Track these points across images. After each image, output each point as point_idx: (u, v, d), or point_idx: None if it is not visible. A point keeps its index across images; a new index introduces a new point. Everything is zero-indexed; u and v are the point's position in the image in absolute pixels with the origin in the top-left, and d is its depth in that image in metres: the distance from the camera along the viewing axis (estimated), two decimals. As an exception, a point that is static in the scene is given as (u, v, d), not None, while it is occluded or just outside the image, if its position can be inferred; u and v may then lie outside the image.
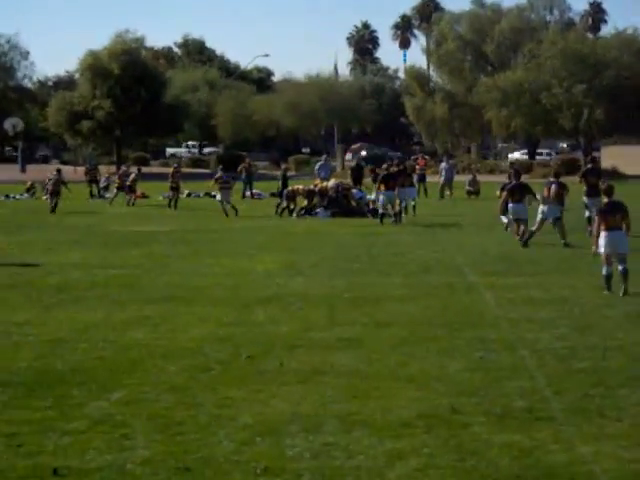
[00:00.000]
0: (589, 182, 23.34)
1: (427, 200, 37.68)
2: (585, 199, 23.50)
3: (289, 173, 39.17)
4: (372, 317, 12.73)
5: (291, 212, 30.94)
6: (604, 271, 14.73)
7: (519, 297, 14.26)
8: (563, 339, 11.25)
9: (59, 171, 35.78)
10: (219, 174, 32.72)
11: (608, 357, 10.31)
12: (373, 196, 29.56)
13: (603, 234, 14.66)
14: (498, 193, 24.56)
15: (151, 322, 12.44)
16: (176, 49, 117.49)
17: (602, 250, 14.69)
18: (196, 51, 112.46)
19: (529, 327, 11.99)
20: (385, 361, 10.20)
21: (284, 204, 31.39)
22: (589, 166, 25.27)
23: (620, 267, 14.62)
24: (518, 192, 22.17)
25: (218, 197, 32.56)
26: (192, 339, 11.36)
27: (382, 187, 27.78)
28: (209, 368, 9.92)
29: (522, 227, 21.77)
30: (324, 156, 42.40)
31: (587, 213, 23.35)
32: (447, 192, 40.61)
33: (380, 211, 27.94)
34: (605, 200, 15.26)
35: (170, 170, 38.63)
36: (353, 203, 31.04)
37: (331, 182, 31.81)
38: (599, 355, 10.39)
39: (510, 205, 22.34)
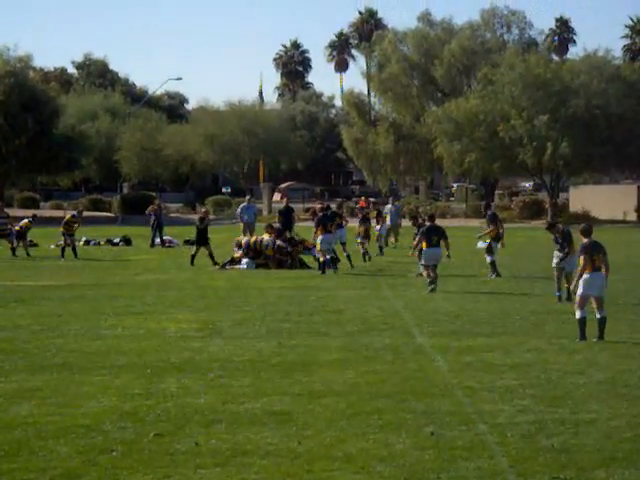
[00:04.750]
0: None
1: (369, 248, 37.90)
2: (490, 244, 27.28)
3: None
4: (304, 386, 12.70)
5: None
6: (578, 314, 16.30)
7: (476, 362, 14.37)
8: (528, 412, 11.34)
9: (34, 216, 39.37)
10: None
11: (580, 433, 10.41)
12: (319, 245, 29.50)
13: (586, 275, 16.27)
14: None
15: (39, 395, 12.25)
16: (72, 70, 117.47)
17: (589, 292, 16.31)
18: (97, 73, 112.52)
19: (488, 397, 12.07)
20: (319, 438, 10.17)
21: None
22: (489, 212, 28.86)
23: (599, 315, 16.26)
24: (436, 235, 24.44)
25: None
26: (89, 415, 11.21)
27: (320, 231, 28.38)
28: (110, 449, 9.79)
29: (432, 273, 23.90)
30: (247, 197, 42.53)
31: (490, 258, 27.29)
32: (392, 239, 40.92)
33: (320, 258, 28.48)
34: (586, 240, 16.63)
35: (65, 216, 38.38)
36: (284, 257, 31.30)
37: (266, 238, 31.84)
38: (569, 431, 10.49)
39: (426, 249, 24.26)
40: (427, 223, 25.16)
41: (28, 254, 36.57)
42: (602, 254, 16.53)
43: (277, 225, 33.28)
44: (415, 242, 25.40)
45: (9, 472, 9.04)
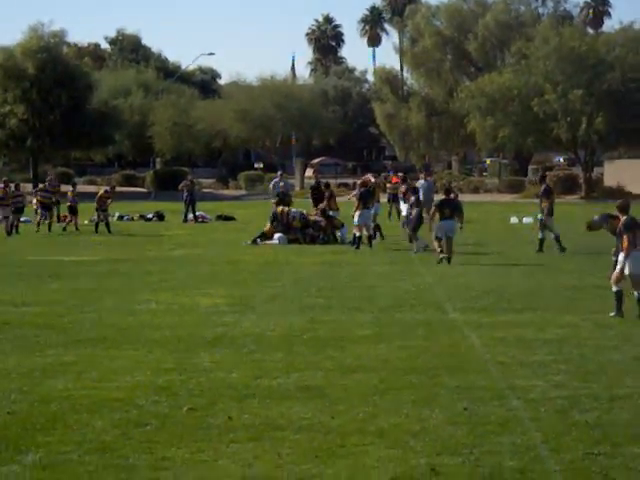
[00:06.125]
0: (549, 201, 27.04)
1: (398, 223, 37.80)
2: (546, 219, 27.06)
3: (239, 192, 38.84)
4: (337, 361, 12.72)
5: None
6: (615, 288, 16.01)
7: (509, 337, 14.33)
8: (561, 387, 11.31)
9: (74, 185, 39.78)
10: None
11: (614, 409, 10.38)
12: (356, 219, 29.18)
13: (635, 253, 15.78)
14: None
15: (74, 369, 12.33)
16: (105, 45, 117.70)
17: (630, 271, 15.88)
18: (130, 48, 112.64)
19: (521, 373, 12.04)
20: (352, 413, 10.19)
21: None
22: (544, 185, 28.26)
23: (638, 294, 15.93)
24: (448, 208, 25.10)
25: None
26: (124, 389, 11.28)
27: (359, 206, 28.69)
28: (144, 423, 9.85)
29: (447, 245, 24.52)
30: (279, 172, 42.53)
31: (541, 234, 27.04)
32: (425, 214, 40.70)
33: (357, 234, 28.52)
34: (626, 217, 16.14)
35: (99, 191, 38.67)
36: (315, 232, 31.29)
37: (293, 210, 32.01)
38: (603, 406, 10.46)
39: (440, 222, 24.89)
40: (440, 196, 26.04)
41: (64, 229, 36.88)
42: (639, 231, 16.04)
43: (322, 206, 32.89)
44: (430, 215, 26.36)
45: (45, 445, 9.13)
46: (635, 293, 16.08)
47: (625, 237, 15.90)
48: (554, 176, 70.44)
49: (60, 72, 71.90)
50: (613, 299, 16.18)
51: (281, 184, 38.11)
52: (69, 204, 37.66)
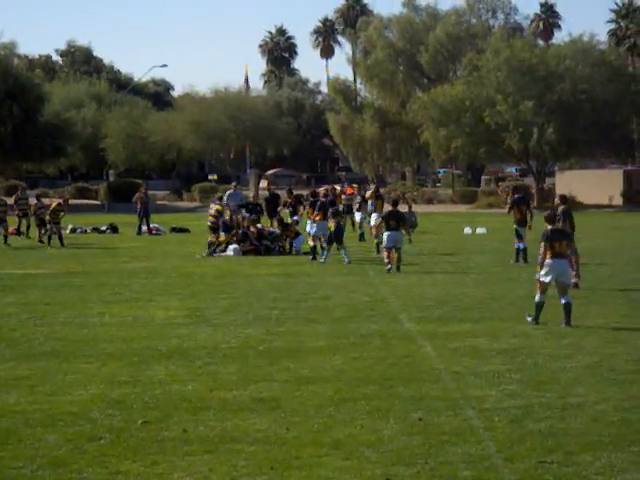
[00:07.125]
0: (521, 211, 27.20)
1: (354, 234, 37.93)
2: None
3: (194, 204, 38.65)
4: (292, 373, 12.71)
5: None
6: (537, 298, 16.41)
7: (463, 347, 14.40)
8: (515, 396, 11.38)
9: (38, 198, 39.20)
10: None
11: (567, 417, 10.45)
12: (313, 229, 28.99)
13: (547, 261, 16.29)
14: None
15: (27, 383, 12.23)
16: (56, 57, 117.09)
17: (546, 278, 16.33)
18: (81, 60, 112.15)
19: (475, 382, 12.10)
20: (307, 425, 10.18)
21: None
22: (515, 196, 28.54)
23: (563, 300, 16.26)
24: (394, 220, 25.51)
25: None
26: (77, 402, 11.20)
27: (318, 217, 28.49)
28: (97, 437, 9.78)
29: (397, 255, 25.16)
30: (233, 183, 42.47)
31: (517, 245, 27.17)
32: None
33: (311, 244, 28.47)
34: (548, 228, 16.72)
35: (51, 204, 38.37)
36: (267, 242, 31.27)
37: (244, 214, 32.07)
38: (556, 415, 10.53)
39: (386, 233, 25.33)
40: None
41: (41, 241, 36.40)
42: (566, 241, 16.61)
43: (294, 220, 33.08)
44: (377, 226, 27.11)
45: (-3, 461, 9.04)
46: (561, 300, 16.32)
47: (542, 245, 16.43)
48: (506, 187, 71.08)
49: (11, 84, 71.41)
50: (534, 307, 16.46)
51: (224, 198, 38.21)
52: (35, 217, 37.38)
